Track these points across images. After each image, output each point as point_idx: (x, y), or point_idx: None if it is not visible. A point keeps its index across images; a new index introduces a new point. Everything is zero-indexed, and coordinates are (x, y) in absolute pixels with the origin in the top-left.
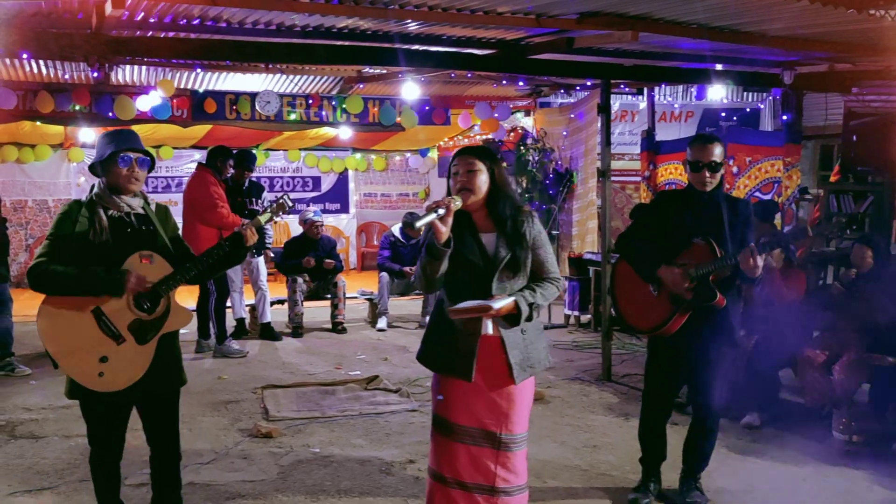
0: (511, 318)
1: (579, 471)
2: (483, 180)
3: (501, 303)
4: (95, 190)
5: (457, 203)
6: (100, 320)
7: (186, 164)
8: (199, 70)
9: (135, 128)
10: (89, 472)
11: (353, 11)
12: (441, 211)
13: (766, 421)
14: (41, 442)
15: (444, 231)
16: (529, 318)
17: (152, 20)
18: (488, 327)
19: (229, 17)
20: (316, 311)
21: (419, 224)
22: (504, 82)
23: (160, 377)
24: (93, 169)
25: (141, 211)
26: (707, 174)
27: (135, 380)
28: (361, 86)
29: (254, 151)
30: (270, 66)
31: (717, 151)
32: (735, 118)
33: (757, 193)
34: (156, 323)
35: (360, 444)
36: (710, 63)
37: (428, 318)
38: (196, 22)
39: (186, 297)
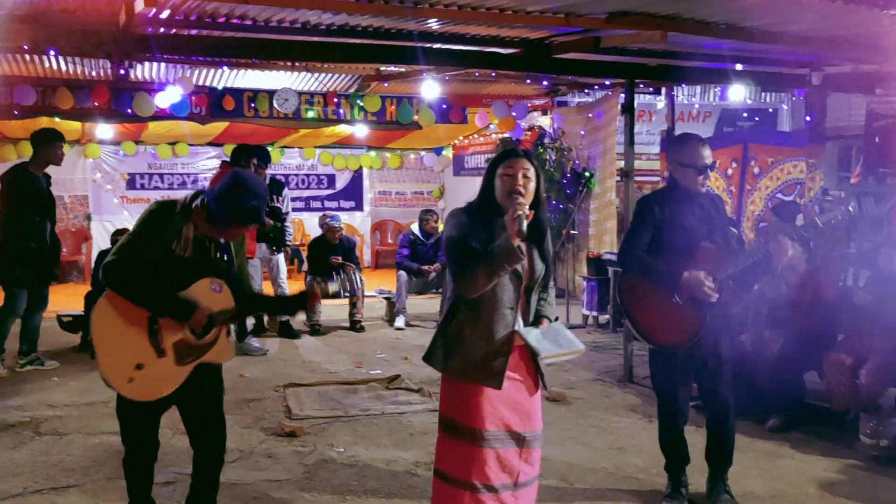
0: None
1: (606, 473)
2: (533, 189)
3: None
4: (196, 203)
5: (528, 211)
6: (151, 328)
7: (203, 160)
8: (224, 67)
9: (153, 124)
10: (115, 469)
11: (382, 10)
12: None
13: (792, 424)
14: (66, 439)
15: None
16: None
17: (178, 17)
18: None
19: (256, 15)
20: (334, 310)
21: (525, 230)
22: (528, 81)
23: (195, 390)
24: (215, 198)
25: (222, 240)
26: (709, 175)
27: (159, 396)
28: (385, 84)
29: (268, 148)
30: (292, 63)
31: (710, 151)
32: (756, 118)
33: (779, 195)
34: (200, 349)
35: (384, 444)
36: (733, 63)
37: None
38: (221, 19)
39: None
